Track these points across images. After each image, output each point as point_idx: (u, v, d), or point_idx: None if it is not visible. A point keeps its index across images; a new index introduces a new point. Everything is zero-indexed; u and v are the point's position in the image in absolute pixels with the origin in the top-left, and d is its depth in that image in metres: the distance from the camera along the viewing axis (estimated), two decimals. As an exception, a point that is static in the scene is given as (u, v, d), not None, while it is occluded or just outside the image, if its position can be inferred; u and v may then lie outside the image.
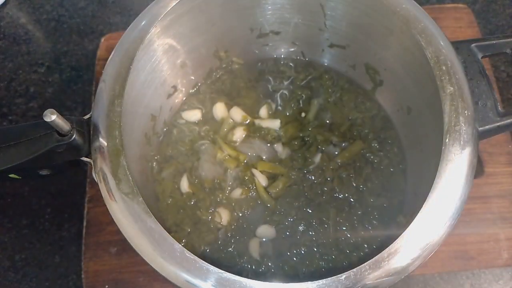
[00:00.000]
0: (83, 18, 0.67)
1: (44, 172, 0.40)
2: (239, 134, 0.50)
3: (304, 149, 0.49)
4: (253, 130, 0.51)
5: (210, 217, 0.46)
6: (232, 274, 0.32)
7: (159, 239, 0.34)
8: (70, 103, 0.61)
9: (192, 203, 0.47)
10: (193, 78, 0.52)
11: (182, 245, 0.34)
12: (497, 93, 0.55)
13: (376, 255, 0.33)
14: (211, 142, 0.50)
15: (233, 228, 0.46)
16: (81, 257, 0.50)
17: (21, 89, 0.63)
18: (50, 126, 0.34)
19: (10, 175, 0.39)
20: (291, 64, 0.54)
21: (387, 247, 0.33)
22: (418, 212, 0.34)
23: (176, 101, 0.51)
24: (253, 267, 0.44)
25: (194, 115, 0.52)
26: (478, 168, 0.46)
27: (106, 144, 0.37)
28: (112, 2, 0.68)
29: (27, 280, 0.52)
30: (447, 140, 0.36)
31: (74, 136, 0.35)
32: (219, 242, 0.45)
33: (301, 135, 0.50)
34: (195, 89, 0.53)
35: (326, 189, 0.47)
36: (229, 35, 0.51)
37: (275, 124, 0.50)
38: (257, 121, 0.51)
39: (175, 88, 0.50)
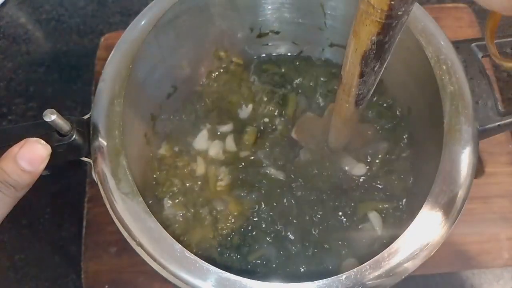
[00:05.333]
0: (83, 18, 0.67)
1: (43, 172, 0.40)
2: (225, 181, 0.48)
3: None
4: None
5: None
6: (232, 274, 0.32)
7: (159, 239, 0.34)
8: (69, 103, 0.61)
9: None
10: (193, 77, 0.52)
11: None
12: (498, 93, 0.55)
13: (376, 255, 0.33)
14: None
15: (234, 227, 0.46)
16: (80, 257, 0.50)
17: (20, 88, 0.63)
18: (50, 126, 0.33)
19: (9, 175, 0.39)
20: (291, 64, 0.54)
21: (387, 247, 0.33)
22: (418, 212, 0.34)
23: (176, 100, 0.51)
24: (253, 267, 0.44)
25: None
26: (478, 168, 0.46)
27: (106, 144, 0.37)
28: (112, 2, 0.68)
29: (27, 280, 0.52)
30: (447, 139, 0.36)
31: (74, 136, 0.35)
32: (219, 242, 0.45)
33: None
34: (195, 88, 0.53)
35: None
36: (229, 35, 0.51)
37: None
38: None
39: (175, 87, 0.50)
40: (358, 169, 0.47)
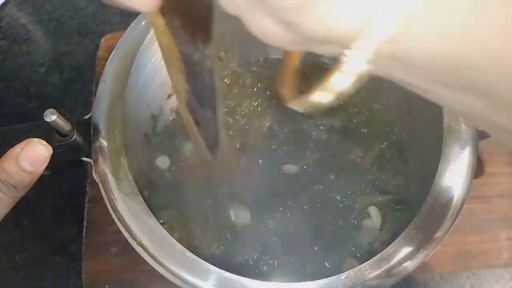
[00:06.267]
0: (84, 18, 0.67)
1: (44, 172, 0.40)
2: None
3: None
4: None
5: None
6: (232, 274, 0.32)
7: (160, 239, 0.34)
8: (70, 103, 0.61)
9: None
10: (193, 78, 0.52)
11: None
12: (497, 93, 0.55)
13: (376, 254, 0.33)
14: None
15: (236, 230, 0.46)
16: (81, 257, 0.50)
17: (21, 89, 0.63)
18: (51, 126, 0.34)
19: (10, 175, 0.39)
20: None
21: (387, 246, 0.33)
22: (418, 212, 0.34)
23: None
24: (253, 266, 0.44)
25: (194, 115, 0.51)
26: (478, 168, 0.46)
27: (106, 144, 0.37)
28: (112, 2, 0.68)
29: (27, 280, 0.52)
30: (447, 139, 0.36)
31: (75, 136, 0.35)
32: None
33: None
34: (195, 89, 0.53)
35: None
36: (229, 35, 0.51)
37: None
38: None
39: (175, 88, 0.50)
40: None
